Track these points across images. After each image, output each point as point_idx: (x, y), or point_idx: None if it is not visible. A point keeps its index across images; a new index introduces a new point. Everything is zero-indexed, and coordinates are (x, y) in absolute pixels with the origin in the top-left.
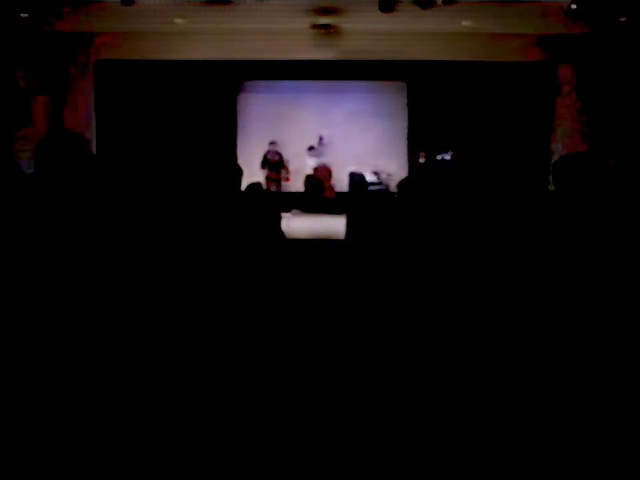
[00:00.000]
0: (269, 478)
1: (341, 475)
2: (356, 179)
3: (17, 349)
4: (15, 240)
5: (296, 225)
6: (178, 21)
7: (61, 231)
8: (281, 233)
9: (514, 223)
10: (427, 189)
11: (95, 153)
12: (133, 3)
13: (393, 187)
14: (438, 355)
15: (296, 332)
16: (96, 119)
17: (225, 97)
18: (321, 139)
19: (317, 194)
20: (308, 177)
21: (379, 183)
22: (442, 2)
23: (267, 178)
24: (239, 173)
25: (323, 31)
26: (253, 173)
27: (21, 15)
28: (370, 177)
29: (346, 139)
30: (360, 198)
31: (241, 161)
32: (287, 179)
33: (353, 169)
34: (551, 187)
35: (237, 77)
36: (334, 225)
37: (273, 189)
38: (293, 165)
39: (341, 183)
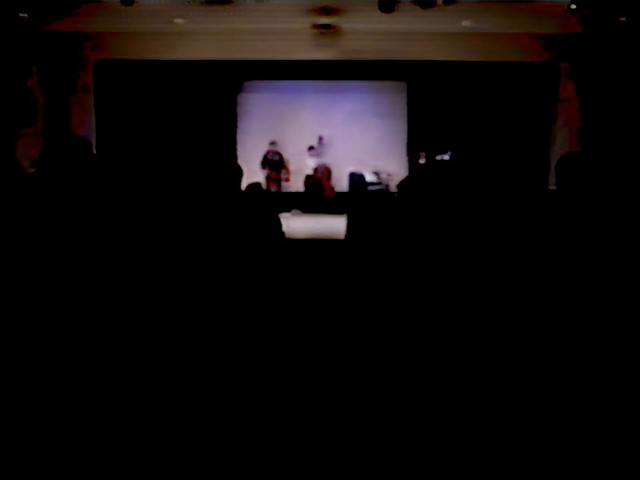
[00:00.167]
0: (269, 478)
1: (341, 474)
2: (356, 178)
3: (18, 347)
4: (16, 239)
5: (296, 224)
6: (178, 20)
7: (62, 230)
8: (281, 233)
9: (514, 222)
10: (427, 189)
11: (95, 153)
12: (132, 2)
13: (393, 187)
14: (438, 354)
15: (296, 332)
16: (96, 118)
17: (225, 96)
18: (320, 138)
19: (317, 194)
20: (308, 177)
21: (379, 183)
22: (442, 2)
23: (267, 178)
24: (238, 173)
25: (323, 30)
26: (252, 173)
27: (21, 15)
28: (370, 177)
29: (346, 138)
30: (360, 198)
31: (241, 161)
32: (287, 179)
33: (352, 169)
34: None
35: (237, 76)
36: (334, 225)
37: (273, 189)
38: (293, 165)
39: (341, 183)
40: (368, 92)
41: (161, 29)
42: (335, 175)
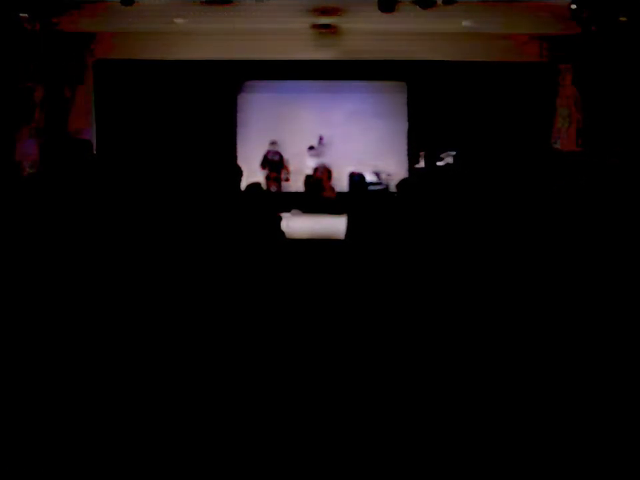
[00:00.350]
0: (269, 478)
1: (341, 474)
2: (356, 178)
3: (19, 346)
4: (16, 239)
5: (296, 224)
6: (178, 20)
7: (62, 230)
8: (281, 233)
9: (513, 222)
10: (426, 189)
11: (96, 154)
12: (132, 2)
13: (393, 187)
14: (438, 354)
15: (296, 331)
16: (96, 118)
17: (225, 97)
18: (320, 138)
19: (317, 194)
20: (308, 177)
21: (379, 183)
22: (442, 2)
23: (267, 178)
24: (238, 173)
25: (323, 30)
26: (252, 173)
27: (21, 15)
28: (370, 177)
29: (346, 138)
30: (360, 198)
31: (241, 161)
32: (287, 179)
33: (352, 168)
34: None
35: (237, 76)
36: (334, 225)
37: (273, 188)
38: (293, 165)
39: (341, 183)
40: (368, 92)
41: (161, 29)
42: (335, 175)
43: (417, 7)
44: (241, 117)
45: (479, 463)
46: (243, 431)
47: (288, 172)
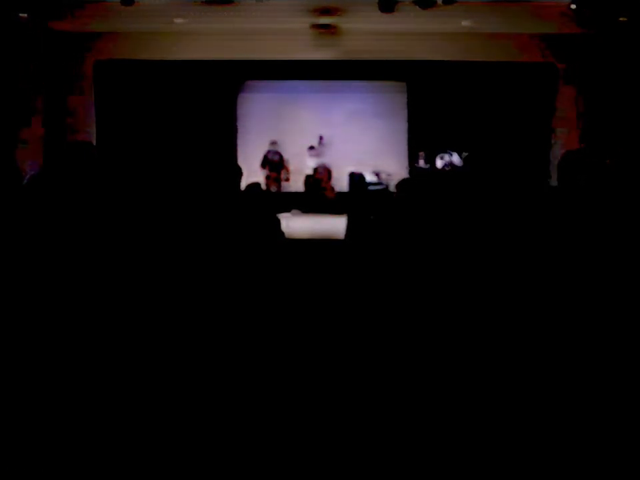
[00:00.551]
0: (269, 478)
1: (341, 475)
2: (356, 178)
3: (20, 346)
4: (17, 242)
5: (296, 224)
6: (178, 20)
7: (63, 233)
8: (281, 233)
9: (513, 222)
10: (426, 189)
11: (98, 155)
12: (132, 3)
13: (393, 187)
14: (438, 354)
15: (296, 331)
16: (96, 118)
17: (225, 96)
18: (320, 138)
19: (317, 194)
20: (308, 177)
21: (379, 183)
22: (442, 2)
23: (267, 178)
24: (238, 173)
25: (322, 30)
26: (252, 173)
27: (21, 15)
28: (370, 177)
29: (346, 138)
30: (360, 198)
31: (241, 161)
32: (287, 179)
33: (352, 169)
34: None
35: (236, 76)
36: (334, 225)
37: (273, 188)
38: (293, 165)
39: (341, 183)
40: (368, 92)
41: (161, 29)
42: (335, 175)
43: (417, 7)
44: (241, 117)
45: (478, 462)
46: (242, 431)
47: (288, 172)
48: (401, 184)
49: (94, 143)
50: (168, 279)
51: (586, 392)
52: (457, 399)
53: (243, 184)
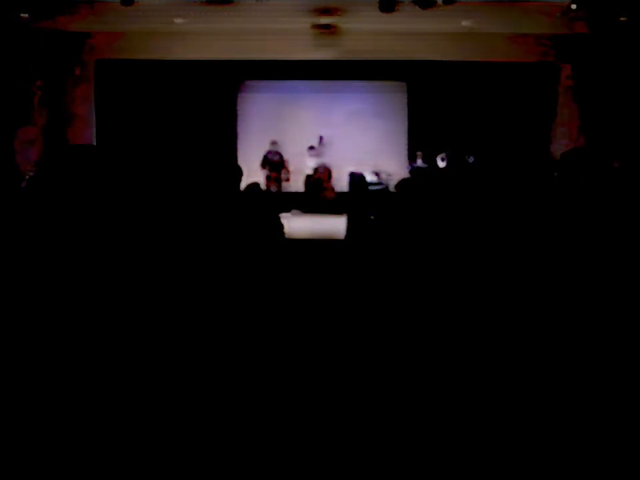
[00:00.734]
0: (269, 478)
1: (341, 475)
2: (356, 178)
3: (21, 347)
4: (16, 242)
5: (296, 224)
6: (178, 20)
7: (62, 232)
8: (281, 233)
9: (512, 222)
10: (426, 189)
11: (99, 157)
12: (132, 2)
13: (393, 187)
14: (438, 353)
15: (296, 331)
16: (96, 118)
17: (225, 96)
18: (320, 138)
19: (317, 194)
20: (308, 177)
21: (379, 183)
22: (442, 2)
23: (267, 178)
24: (238, 173)
25: (323, 30)
26: (253, 173)
27: (21, 14)
28: (370, 177)
29: (346, 138)
30: (360, 198)
31: (241, 161)
32: (287, 179)
33: (352, 169)
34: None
35: (237, 76)
36: (334, 225)
37: (273, 188)
38: (293, 165)
39: (340, 183)
40: (368, 92)
41: (160, 28)
42: (335, 175)
43: (417, 7)
44: (241, 117)
45: (478, 462)
46: (242, 431)
47: (288, 172)
48: (401, 184)
49: (94, 142)
50: (168, 279)
51: (586, 389)
52: (457, 397)
53: (243, 184)
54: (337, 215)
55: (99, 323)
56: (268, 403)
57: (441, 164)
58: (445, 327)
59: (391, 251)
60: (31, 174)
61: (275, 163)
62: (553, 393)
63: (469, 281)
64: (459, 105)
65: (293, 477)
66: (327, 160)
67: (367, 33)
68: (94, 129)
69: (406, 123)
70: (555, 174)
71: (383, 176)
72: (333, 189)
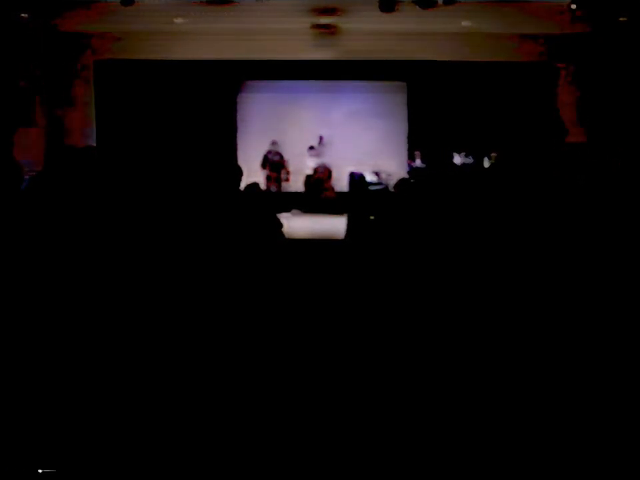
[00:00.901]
0: (268, 478)
1: (341, 475)
2: (356, 178)
3: (21, 348)
4: (16, 242)
5: (296, 224)
6: (178, 20)
7: (63, 233)
8: (280, 233)
9: (512, 221)
10: (425, 189)
11: (99, 160)
12: (132, 2)
13: (393, 186)
14: (438, 353)
15: (296, 331)
16: (96, 118)
17: (225, 96)
18: (320, 138)
19: (317, 194)
20: (308, 177)
21: (379, 183)
22: (442, 2)
23: (268, 178)
24: (238, 173)
25: (322, 30)
26: (253, 173)
27: (21, 15)
28: (370, 177)
29: (346, 138)
30: (360, 198)
31: (241, 161)
32: (287, 179)
33: (352, 168)
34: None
35: (237, 76)
36: (334, 225)
37: (273, 188)
38: (293, 165)
39: (340, 183)
40: (368, 92)
41: (161, 29)
42: (335, 175)
43: (417, 7)
44: (241, 117)
45: (478, 462)
46: (242, 431)
47: (288, 172)
48: (399, 184)
49: (94, 142)
50: (169, 280)
51: (586, 389)
52: (457, 396)
53: (243, 184)
54: (337, 215)
55: (99, 323)
56: (267, 403)
57: (459, 160)
58: (444, 326)
59: (390, 250)
60: (31, 174)
61: (275, 163)
62: (553, 392)
63: (468, 280)
64: (459, 105)
65: (292, 477)
66: (327, 160)
67: (367, 33)
68: (94, 129)
69: (406, 123)
70: (555, 174)
71: (383, 176)
72: (333, 188)
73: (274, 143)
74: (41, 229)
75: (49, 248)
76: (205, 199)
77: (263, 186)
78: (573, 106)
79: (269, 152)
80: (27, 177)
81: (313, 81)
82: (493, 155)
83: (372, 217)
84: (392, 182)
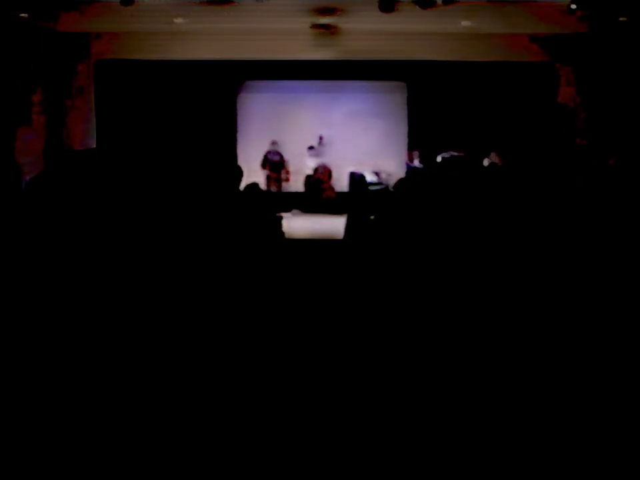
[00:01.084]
0: (268, 478)
1: (341, 475)
2: (356, 178)
3: (22, 348)
4: (17, 243)
5: (296, 224)
6: (178, 20)
7: (63, 234)
8: (280, 233)
9: (512, 221)
10: (424, 189)
11: (99, 162)
12: (132, 2)
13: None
14: (438, 354)
15: (295, 331)
16: (96, 119)
17: (225, 96)
18: (320, 138)
19: (317, 194)
20: (308, 177)
21: (379, 183)
22: (442, 2)
23: (268, 178)
24: (238, 173)
25: (322, 30)
26: (252, 173)
27: (21, 15)
28: (370, 177)
29: (346, 139)
30: (360, 198)
31: (241, 161)
32: (287, 179)
33: (353, 168)
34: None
35: (236, 76)
36: (334, 225)
37: (273, 189)
38: (293, 165)
39: (341, 183)
40: (368, 92)
41: (161, 29)
42: (335, 175)
43: (417, 7)
44: (241, 117)
45: (478, 462)
46: (242, 431)
47: (288, 172)
48: (398, 184)
49: (94, 142)
50: (169, 279)
51: (586, 389)
52: (457, 396)
53: (243, 184)
54: (337, 215)
55: (99, 323)
56: (267, 403)
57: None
58: (444, 325)
59: (389, 250)
60: (31, 175)
61: (275, 163)
62: (553, 391)
63: (468, 279)
64: (459, 105)
65: (292, 477)
66: (327, 160)
67: (367, 33)
68: (94, 129)
69: (406, 123)
70: (555, 174)
71: (383, 176)
72: (333, 188)
73: (274, 143)
74: (41, 230)
75: (49, 248)
76: (205, 199)
77: (262, 186)
78: (572, 106)
79: (269, 152)
80: (26, 177)
81: (313, 81)
82: (493, 155)
83: (372, 217)
84: (392, 182)
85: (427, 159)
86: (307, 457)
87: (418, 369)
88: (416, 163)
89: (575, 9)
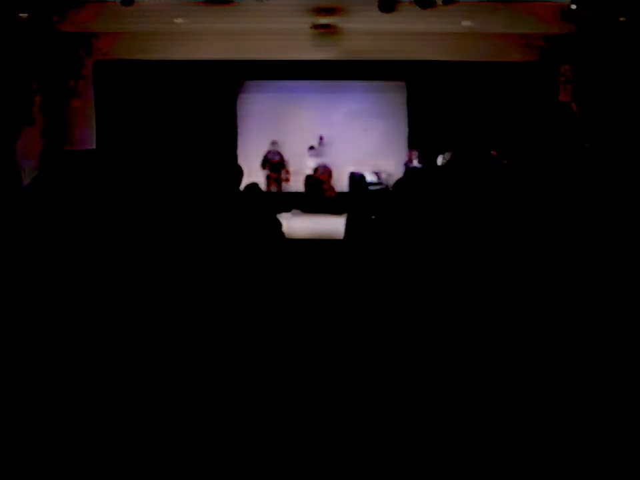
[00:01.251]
0: (268, 478)
1: (341, 475)
2: (356, 178)
3: (22, 349)
4: (16, 243)
5: (296, 224)
6: (178, 20)
7: (63, 234)
8: (280, 233)
9: (511, 221)
10: (424, 189)
11: (99, 162)
12: (132, 3)
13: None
14: (438, 354)
15: (295, 331)
16: (96, 119)
17: (225, 96)
18: (321, 138)
19: (317, 194)
20: (308, 177)
21: (379, 183)
22: (442, 2)
23: (268, 178)
24: (238, 173)
25: (322, 30)
26: (252, 173)
27: (21, 14)
28: (370, 177)
29: (346, 139)
30: (360, 198)
31: (241, 161)
32: (287, 179)
33: (353, 168)
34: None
35: (236, 76)
36: (334, 225)
37: (274, 189)
38: (293, 165)
39: (341, 183)
40: (368, 92)
41: (161, 29)
42: (335, 174)
43: (417, 7)
44: (241, 117)
45: (478, 462)
46: (242, 431)
47: (288, 172)
48: (397, 184)
49: (94, 142)
50: (169, 280)
51: (586, 390)
52: (457, 397)
53: (243, 184)
54: (337, 215)
55: (99, 323)
56: (267, 403)
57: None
58: (445, 325)
59: (389, 250)
60: (32, 175)
61: (275, 163)
62: (553, 392)
63: (469, 279)
64: (459, 105)
65: (292, 477)
66: (327, 160)
67: (367, 33)
68: (94, 129)
69: (406, 123)
70: (555, 174)
71: (383, 176)
72: (333, 188)
73: (274, 143)
74: (41, 231)
75: (49, 248)
76: (205, 199)
77: (263, 186)
78: (572, 106)
79: (269, 152)
80: (27, 177)
81: (313, 81)
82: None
83: (373, 217)
84: (392, 182)
85: (425, 158)
86: (307, 456)
87: (419, 368)
88: (415, 162)
89: (574, 9)
